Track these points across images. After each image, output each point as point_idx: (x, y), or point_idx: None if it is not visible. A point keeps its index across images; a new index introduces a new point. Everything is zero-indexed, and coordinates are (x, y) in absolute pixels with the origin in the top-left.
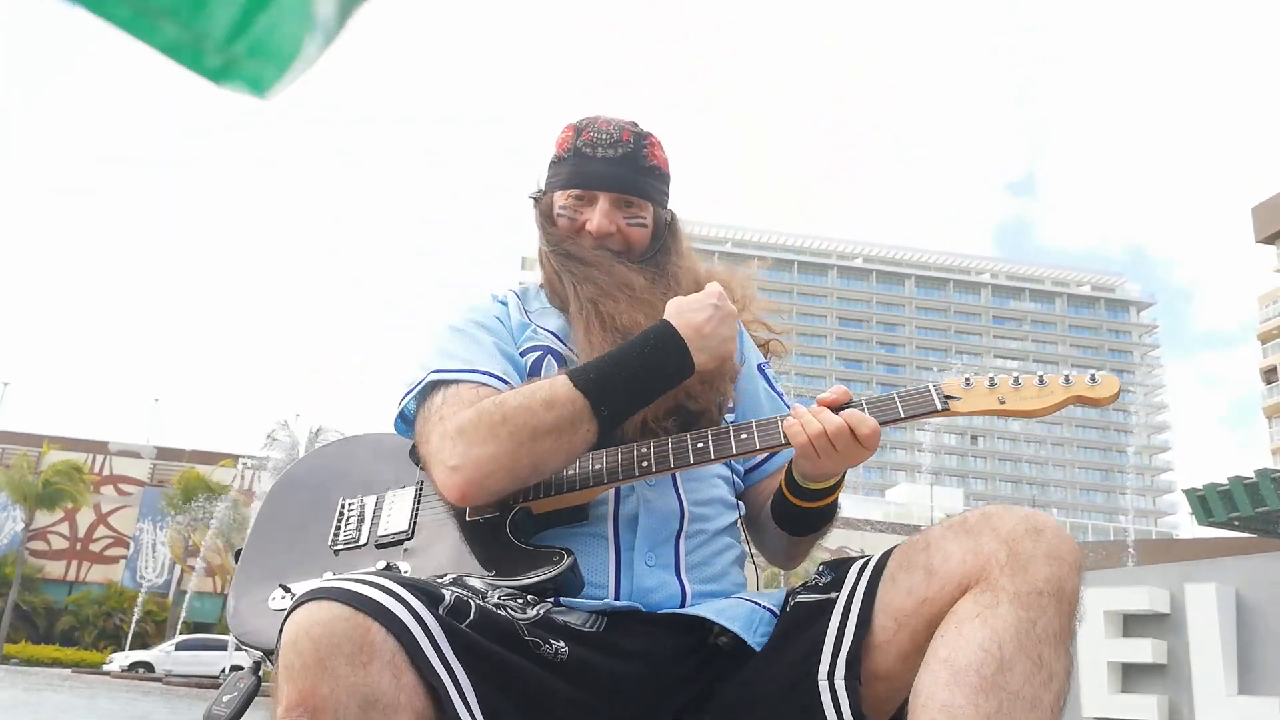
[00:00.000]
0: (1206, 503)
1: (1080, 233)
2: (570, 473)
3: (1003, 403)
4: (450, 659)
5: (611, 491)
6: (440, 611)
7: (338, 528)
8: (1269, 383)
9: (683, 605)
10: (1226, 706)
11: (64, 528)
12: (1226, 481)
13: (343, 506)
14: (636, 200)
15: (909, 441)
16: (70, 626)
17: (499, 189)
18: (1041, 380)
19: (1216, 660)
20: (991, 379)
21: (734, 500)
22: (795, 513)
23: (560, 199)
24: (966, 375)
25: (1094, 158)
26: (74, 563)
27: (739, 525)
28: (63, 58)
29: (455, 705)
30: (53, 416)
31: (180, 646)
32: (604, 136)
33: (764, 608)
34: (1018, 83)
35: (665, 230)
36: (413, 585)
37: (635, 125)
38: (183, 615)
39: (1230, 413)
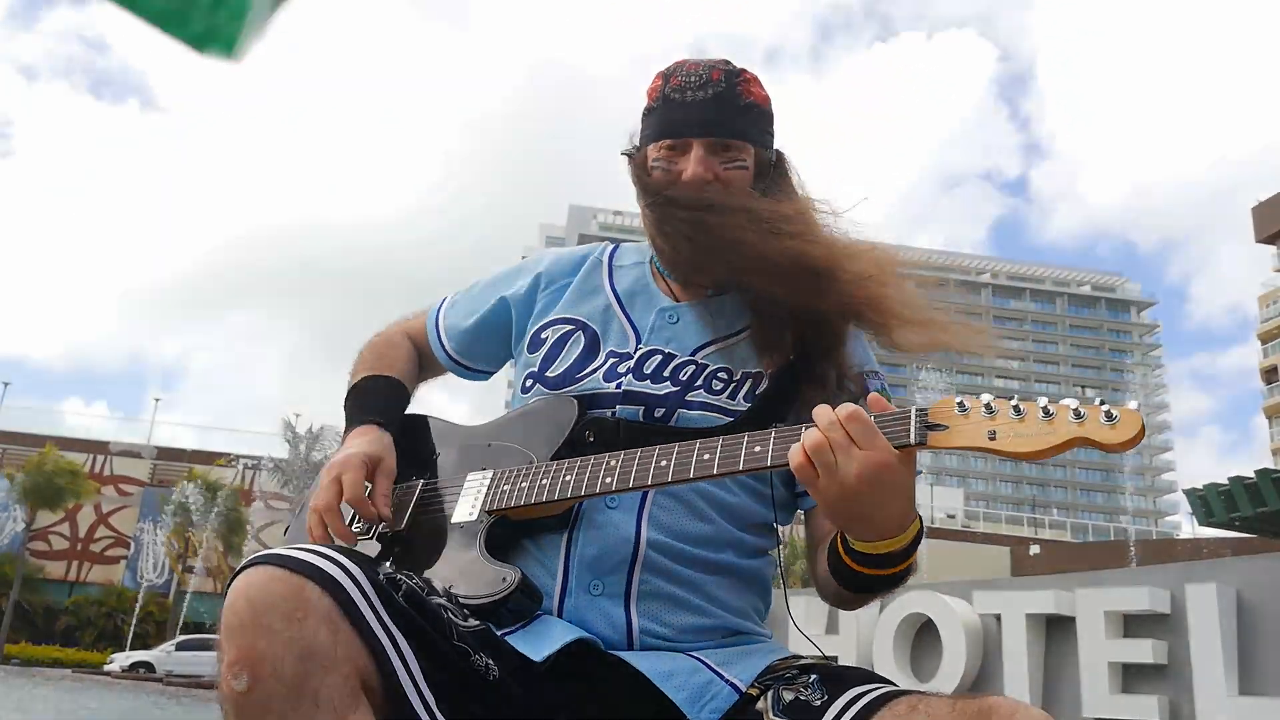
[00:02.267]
0: (1207, 503)
1: (1079, 233)
2: (543, 481)
3: (993, 439)
4: (386, 619)
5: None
6: (379, 578)
7: (352, 516)
8: (1269, 383)
9: (629, 645)
10: (1227, 707)
11: (64, 528)
12: (1227, 482)
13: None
14: (733, 143)
15: None
16: (71, 627)
17: (503, 185)
18: (1047, 412)
19: (1217, 660)
20: (989, 405)
21: (764, 525)
22: (849, 573)
23: (653, 152)
24: (963, 399)
25: (1092, 157)
26: (74, 563)
27: (764, 563)
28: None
29: (393, 660)
30: (54, 417)
31: (180, 647)
32: (693, 79)
33: (725, 681)
34: (1016, 80)
35: (770, 171)
36: (351, 553)
37: (727, 63)
38: (183, 615)
39: (1231, 413)
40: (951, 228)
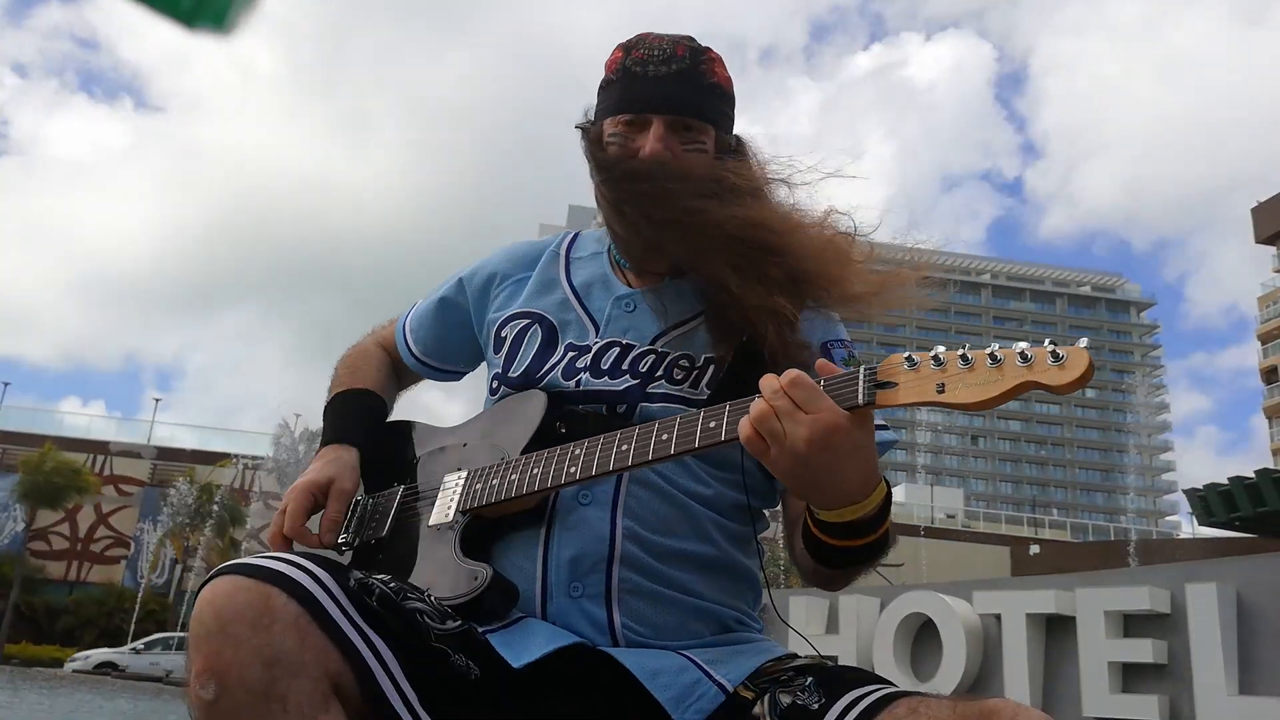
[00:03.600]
0: (1207, 503)
1: (1074, 234)
2: (513, 476)
3: (941, 391)
4: (360, 623)
5: (551, 499)
6: (350, 583)
7: (346, 524)
8: (1269, 382)
9: (613, 645)
10: (1227, 706)
11: (64, 528)
12: (1227, 482)
13: (355, 502)
14: (694, 123)
15: (908, 442)
16: (71, 626)
17: (503, 185)
18: (995, 358)
19: (1217, 660)
20: (937, 356)
21: (742, 510)
22: (821, 546)
23: (610, 126)
24: (911, 353)
25: (1085, 156)
26: (74, 563)
27: (746, 553)
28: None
29: (369, 662)
30: (53, 417)
31: (182, 646)
32: (655, 53)
33: (713, 681)
34: (1010, 79)
35: (729, 155)
36: (321, 559)
37: (691, 40)
38: (183, 615)
39: (1227, 413)
40: (948, 228)
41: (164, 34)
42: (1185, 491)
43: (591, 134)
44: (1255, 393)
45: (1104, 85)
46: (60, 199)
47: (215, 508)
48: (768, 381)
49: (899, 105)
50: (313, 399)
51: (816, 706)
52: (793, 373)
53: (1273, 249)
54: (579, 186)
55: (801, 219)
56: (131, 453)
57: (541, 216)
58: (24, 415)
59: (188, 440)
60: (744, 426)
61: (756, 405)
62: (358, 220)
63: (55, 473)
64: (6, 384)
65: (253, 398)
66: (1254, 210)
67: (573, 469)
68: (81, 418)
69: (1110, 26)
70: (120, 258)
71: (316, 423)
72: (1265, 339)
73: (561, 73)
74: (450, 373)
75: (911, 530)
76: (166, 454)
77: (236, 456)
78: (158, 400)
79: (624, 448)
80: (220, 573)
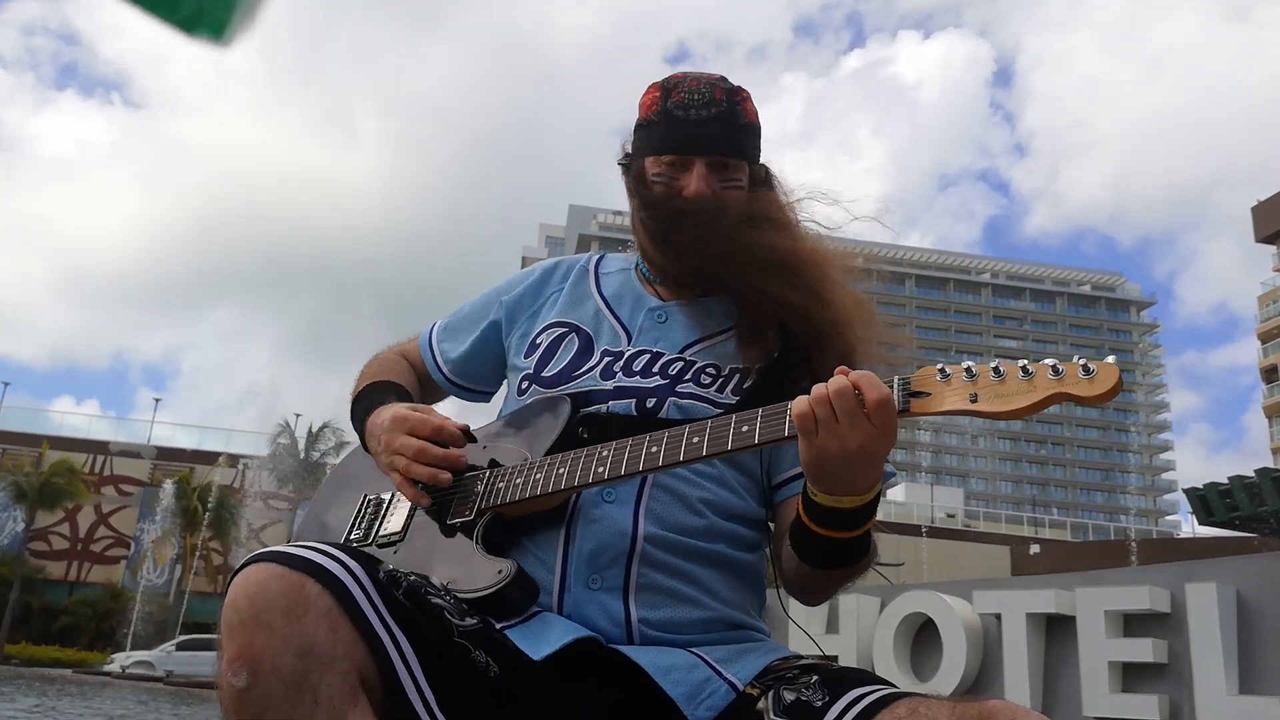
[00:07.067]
0: (1207, 502)
1: (1065, 231)
2: (537, 475)
3: (974, 401)
4: (386, 616)
5: (574, 498)
6: (380, 575)
7: (353, 523)
8: (1269, 382)
9: (628, 639)
10: (1227, 706)
11: (65, 528)
12: (1227, 481)
13: (364, 501)
14: (732, 161)
15: (909, 441)
16: (70, 626)
17: (502, 186)
18: (1026, 370)
19: (1217, 660)
20: (969, 369)
21: (756, 520)
22: (809, 537)
23: (653, 165)
24: (943, 365)
25: (1075, 154)
26: (75, 563)
27: (758, 557)
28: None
29: (392, 657)
30: (53, 418)
31: (181, 647)
32: (696, 97)
33: (723, 679)
34: (1008, 76)
35: (760, 185)
36: (352, 551)
37: (725, 80)
38: (183, 615)
39: (1220, 411)
40: (941, 227)
41: (142, 30)
42: (1185, 491)
43: (634, 170)
44: (1248, 390)
45: (1088, 82)
46: (44, 196)
47: (211, 503)
48: (839, 378)
49: (890, 104)
50: (310, 397)
51: (819, 704)
52: (868, 376)
53: (1273, 248)
54: (579, 186)
55: (827, 258)
56: (131, 453)
57: (542, 217)
58: (23, 416)
59: (186, 440)
60: (801, 404)
61: (818, 389)
62: (344, 216)
63: (51, 474)
64: (7, 384)
65: (244, 396)
66: (1254, 209)
67: (600, 469)
68: (79, 418)
69: (1094, 23)
70: (106, 255)
71: (316, 422)
72: (1265, 338)
73: (550, 70)
74: (478, 393)
75: (912, 530)
76: (167, 454)
77: (238, 457)
78: (157, 400)
79: (653, 449)
80: (254, 560)
